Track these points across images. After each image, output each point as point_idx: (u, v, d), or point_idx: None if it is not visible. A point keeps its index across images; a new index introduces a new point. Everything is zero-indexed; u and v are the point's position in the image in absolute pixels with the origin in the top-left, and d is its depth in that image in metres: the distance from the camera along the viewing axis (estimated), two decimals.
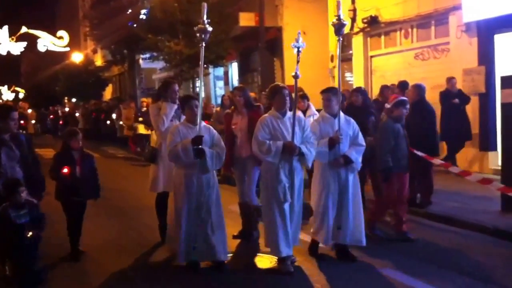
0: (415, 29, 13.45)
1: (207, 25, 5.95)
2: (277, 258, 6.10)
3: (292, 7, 18.31)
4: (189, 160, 5.85)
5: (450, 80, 11.30)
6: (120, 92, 36.72)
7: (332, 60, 16.31)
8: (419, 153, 8.12)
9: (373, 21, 14.35)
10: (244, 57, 21.80)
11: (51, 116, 34.75)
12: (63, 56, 35.66)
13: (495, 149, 10.70)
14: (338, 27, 6.41)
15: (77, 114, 28.60)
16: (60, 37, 32.02)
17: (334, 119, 6.34)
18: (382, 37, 14.58)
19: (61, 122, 30.93)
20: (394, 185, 7.10)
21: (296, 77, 6.12)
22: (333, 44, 16.26)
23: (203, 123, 6.17)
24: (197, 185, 5.94)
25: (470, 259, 6.38)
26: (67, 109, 31.37)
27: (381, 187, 7.59)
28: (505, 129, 8.27)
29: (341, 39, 6.55)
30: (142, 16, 22.55)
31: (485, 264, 6.21)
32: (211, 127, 6.34)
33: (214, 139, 6.15)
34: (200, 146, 5.83)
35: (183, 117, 7.02)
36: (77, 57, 34.54)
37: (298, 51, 6.16)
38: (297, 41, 6.16)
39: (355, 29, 15.11)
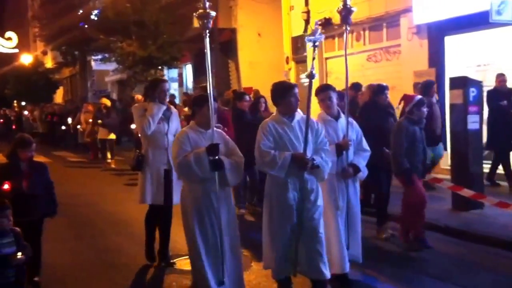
0: (367, 32, 13.63)
1: (209, 10, 4.99)
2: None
3: (246, 9, 18.27)
4: (204, 173, 4.79)
5: (499, 76, 9.63)
6: (72, 94, 36.01)
7: (287, 62, 16.37)
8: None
9: (326, 23, 14.45)
10: (198, 59, 21.65)
11: (1, 120, 33.66)
12: (11, 58, 34.69)
13: (445, 149, 10.93)
14: (345, 13, 5.52)
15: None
16: (9, 38, 31.23)
17: (336, 122, 5.55)
18: (336, 39, 14.72)
19: (14, 127, 29.96)
20: (419, 185, 6.65)
21: (312, 77, 5.04)
22: (287, 45, 16.35)
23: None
24: (214, 203, 4.89)
25: (422, 257, 6.44)
26: (26, 112, 30.14)
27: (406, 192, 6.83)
28: (453, 130, 8.45)
29: (348, 29, 5.68)
30: (94, 17, 22.14)
31: (437, 261, 6.30)
32: (222, 132, 5.29)
33: (229, 146, 5.10)
34: (217, 157, 4.81)
35: (174, 119, 6.42)
36: (26, 59, 33.63)
37: (314, 46, 5.14)
38: (313, 33, 5.14)
39: (309, 31, 15.17)
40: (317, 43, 5.15)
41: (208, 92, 4.87)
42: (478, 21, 9.68)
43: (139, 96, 16.51)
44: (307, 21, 15.11)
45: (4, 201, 4.72)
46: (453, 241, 7.14)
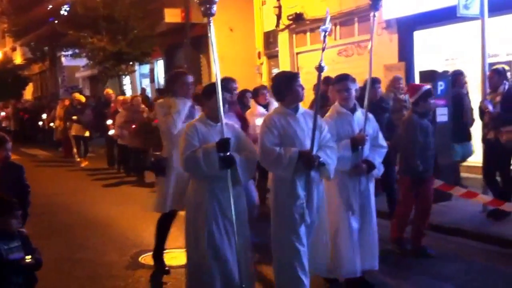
0: (338, 26, 13.73)
1: None
2: None
3: (218, 3, 18.02)
4: (213, 171, 4.40)
5: None
6: (42, 91, 35.52)
7: (259, 57, 16.39)
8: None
9: (298, 18, 14.52)
10: (170, 54, 21.57)
11: None
12: None
13: None
14: None
15: (2, 113, 27.08)
16: None
17: (352, 115, 5.18)
18: (308, 34, 14.79)
19: None
20: (413, 191, 6.16)
21: (320, 69, 4.71)
22: (259, 40, 16.37)
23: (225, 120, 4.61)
24: (225, 203, 4.50)
25: (393, 250, 6.48)
26: None
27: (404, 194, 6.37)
28: None
29: (376, 15, 5.35)
30: (63, 12, 21.85)
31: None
32: (234, 124, 4.89)
33: (241, 140, 4.70)
34: (228, 153, 4.40)
35: (198, 116, 5.73)
36: None
37: (325, 36, 4.79)
38: (324, 22, 4.77)
39: (281, 26, 15.26)
40: (327, 32, 4.83)
41: (216, 82, 4.46)
42: (446, 16, 9.80)
43: (109, 91, 16.27)
44: (278, 16, 15.17)
45: (13, 200, 4.28)
46: None
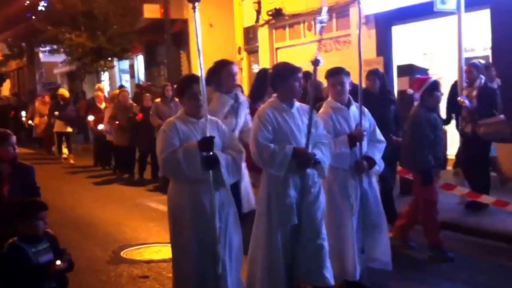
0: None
1: None
2: None
3: None
4: (195, 172, 4.05)
5: None
6: (19, 87, 35.16)
7: (239, 52, 16.42)
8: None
9: (277, 14, 14.57)
10: (149, 50, 21.49)
11: None
12: None
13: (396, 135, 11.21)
14: None
15: None
16: None
17: (348, 110, 5.00)
18: (287, 29, 14.84)
19: None
20: (435, 186, 5.97)
21: (316, 63, 4.52)
22: (239, 36, 16.40)
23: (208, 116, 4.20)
24: (210, 207, 4.12)
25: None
26: None
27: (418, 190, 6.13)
28: (400, 115, 8.67)
29: (360, 2, 5.19)
30: (41, 8, 21.64)
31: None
32: (218, 120, 4.47)
33: (225, 138, 4.35)
34: (211, 153, 4.06)
35: (243, 110, 5.27)
36: None
37: (322, 27, 4.66)
38: (320, 13, 4.59)
39: (261, 21, 15.30)
40: (323, 24, 4.64)
41: (200, 75, 4.14)
42: (424, 11, 9.95)
43: (100, 85, 16.06)
44: (258, 12, 15.21)
45: (40, 201, 4.06)
46: None
